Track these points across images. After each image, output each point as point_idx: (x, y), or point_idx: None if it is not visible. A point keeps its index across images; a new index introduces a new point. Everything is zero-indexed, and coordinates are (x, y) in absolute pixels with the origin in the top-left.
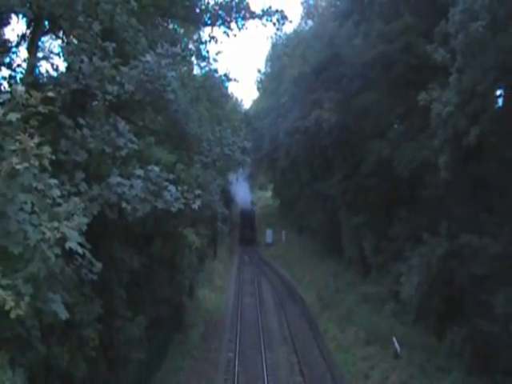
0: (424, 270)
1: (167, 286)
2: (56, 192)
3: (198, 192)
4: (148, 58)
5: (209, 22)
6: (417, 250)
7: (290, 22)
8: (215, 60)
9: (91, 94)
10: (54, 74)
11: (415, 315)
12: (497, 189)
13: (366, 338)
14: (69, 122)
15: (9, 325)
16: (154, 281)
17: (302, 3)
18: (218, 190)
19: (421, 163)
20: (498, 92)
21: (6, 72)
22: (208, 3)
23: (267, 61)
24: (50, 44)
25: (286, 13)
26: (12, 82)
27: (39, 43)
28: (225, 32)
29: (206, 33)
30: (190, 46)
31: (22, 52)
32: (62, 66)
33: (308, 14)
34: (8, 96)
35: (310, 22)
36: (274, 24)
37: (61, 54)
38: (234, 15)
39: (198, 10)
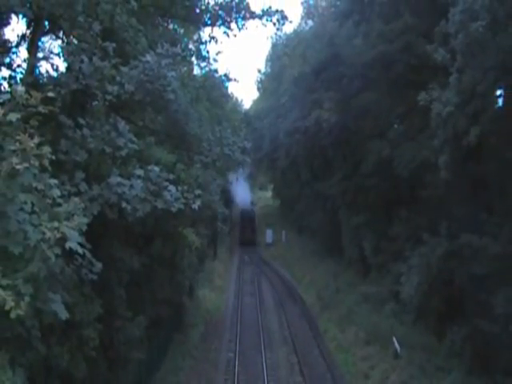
0: (424, 270)
1: (167, 286)
2: (56, 192)
3: (198, 192)
4: (148, 58)
5: (209, 22)
6: (417, 250)
7: (290, 22)
8: (215, 60)
9: (91, 94)
10: (54, 74)
11: (415, 315)
12: (497, 189)
13: (366, 338)
14: (69, 122)
15: (9, 325)
16: (154, 281)
17: (302, 3)
18: (218, 190)
19: (421, 163)
20: (498, 92)
21: (6, 72)
22: (208, 3)
23: (267, 61)
24: (50, 44)
25: (286, 13)
26: (12, 82)
27: (39, 43)
28: (225, 32)
29: (206, 33)
30: (190, 46)
31: (22, 52)
32: (62, 66)
33: (308, 14)
34: (8, 96)
35: (310, 22)
36: (274, 24)
37: (61, 54)
38: (234, 15)
39: (198, 10)
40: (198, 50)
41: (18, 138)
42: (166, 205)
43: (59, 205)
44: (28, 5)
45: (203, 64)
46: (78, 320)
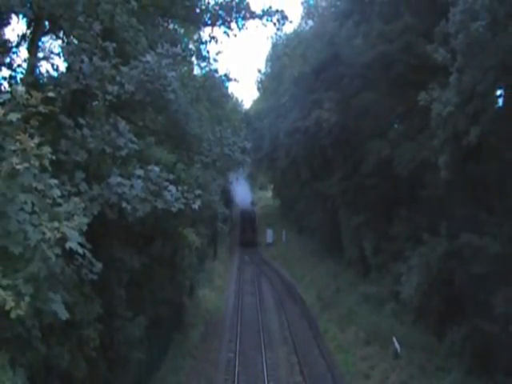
0: (424, 270)
1: (167, 286)
2: (56, 192)
3: (198, 192)
4: (148, 58)
5: (209, 22)
6: (417, 250)
7: (291, 22)
8: (215, 60)
9: (91, 94)
10: (55, 74)
11: (415, 315)
12: (497, 189)
13: (366, 337)
14: (69, 122)
15: (9, 325)
16: (154, 281)
17: (302, 3)
18: (218, 190)
19: (421, 163)
20: (498, 92)
21: (6, 72)
22: (208, 3)
23: (267, 61)
24: (51, 44)
25: (286, 13)
26: (12, 82)
27: (39, 43)
28: (225, 32)
29: (206, 33)
30: (191, 46)
31: (23, 52)
32: (63, 66)
33: (308, 14)
34: (8, 96)
35: (310, 22)
36: (275, 24)
37: (61, 54)
38: (234, 15)
39: (198, 10)
40: (198, 50)
41: (18, 137)
42: (166, 205)
43: (59, 205)
44: (28, 5)
45: (203, 64)
46: (78, 320)
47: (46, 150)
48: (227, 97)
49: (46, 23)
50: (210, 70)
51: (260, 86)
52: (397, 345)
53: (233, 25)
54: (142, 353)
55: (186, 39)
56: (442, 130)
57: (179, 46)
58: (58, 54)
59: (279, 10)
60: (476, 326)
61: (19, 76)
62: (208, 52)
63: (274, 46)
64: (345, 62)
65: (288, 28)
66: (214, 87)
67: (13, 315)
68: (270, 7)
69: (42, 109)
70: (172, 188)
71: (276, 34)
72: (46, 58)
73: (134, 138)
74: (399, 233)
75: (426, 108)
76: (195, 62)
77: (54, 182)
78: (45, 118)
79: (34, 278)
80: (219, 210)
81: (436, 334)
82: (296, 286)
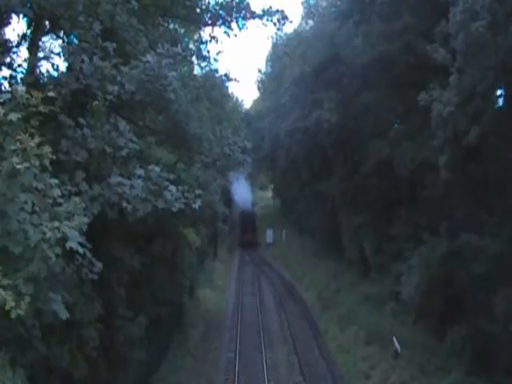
0: (424, 270)
1: (167, 286)
2: (56, 192)
3: (198, 192)
4: (149, 57)
5: (209, 21)
6: (417, 250)
7: (291, 22)
8: (216, 60)
9: (92, 94)
10: (55, 73)
11: (415, 315)
12: (497, 189)
13: (366, 337)
14: (69, 121)
15: (9, 325)
16: (154, 280)
17: (302, 3)
18: (218, 189)
19: (421, 163)
20: (498, 92)
21: (6, 72)
22: (208, 3)
23: (267, 61)
24: (51, 44)
25: (287, 13)
26: (13, 81)
27: (40, 43)
28: (225, 32)
29: (206, 33)
30: (191, 45)
31: (23, 52)
32: (63, 65)
33: (308, 13)
34: (8, 96)
35: (310, 22)
36: (275, 24)
37: (61, 54)
38: (234, 15)
39: (198, 10)
40: (199, 50)
41: (18, 137)
42: (166, 205)
43: (60, 204)
44: (28, 5)
45: (204, 64)
46: (79, 320)
47: (47, 149)
48: (227, 97)
49: (47, 23)
50: (211, 69)
51: (260, 85)
52: (397, 345)
53: (233, 25)
54: (142, 353)
55: (186, 39)
56: (442, 130)
57: (179, 45)
58: (59, 54)
59: (279, 9)
60: (476, 326)
61: (19, 76)
62: (208, 52)
63: (274, 45)
64: (345, 62)
65: (288, 28)
66: (215, 87)
67: (13, 315)
68: (270, 7)
69: (42, 109)
70: (172, 188)
71: (276, 33)
72: (46, 58)
73: (134, 137)
74: (399, 233)
75: (426, 108)
76: (195, 61)
77: (54, 181)
78: (45, 118)
79: (34, 277)
80: (219, 210)
81: (436, 333)
82: (296, 285)
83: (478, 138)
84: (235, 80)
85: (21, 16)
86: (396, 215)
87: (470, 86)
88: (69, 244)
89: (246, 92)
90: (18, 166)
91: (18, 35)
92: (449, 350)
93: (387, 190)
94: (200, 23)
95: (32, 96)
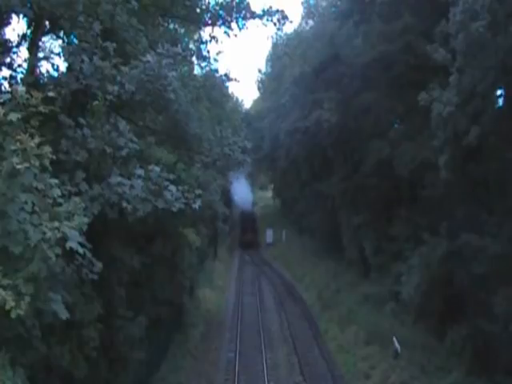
0: (424, 270)
1: (167, 286)
2: (56, 192)
3: (198, 192)
4: (149, 57)
5: (209, 21)
6: (417, 250)
7: (291, 22)
8: (216, 60)
9: (92, 94)
10: (55, 74)
11: (415, 315)
12: (497, 189)
13: (366, 337)
14: (69, 121)
15: (9, 325)
16: (154, 280)
17: (302, 3)
18: (218, 189)
19: (421, 163)
20: (498, 92)
21: (6, 72)
22: (208, 3)
23: (268, 61)
24: (51, 44)
25: (287, 13)
26: (13, 82)
27: (40, 43)
28: (225, 32)
29: (206, 33)
30: (191, 45)
31: (23, 52)
32: (63, 66)
33: (308, 13)
34: (9, 96)
35: (310, 22)
36: (275, 24)
37: (61, 54)
38: (234, 15)
39: (198, 10)
40: (199, 50)
41: (18, 137)
42: (166, 205)
43: (60, 204)
44: (28, 5)
45: (204, 64)
46: (79, 320)
47: (47, 149)
48: (227, 97)
49: (47, 23)
50: (211, 69)
51: (260, 85)
52: (397, 345)
53: (233, 25)
54: (142, 353)
55: (186, 39)
56: (442, 130)
57: (179, 45)
58: (59, 54)
59: (279, 9)
60: (476, 326)
61: (19, 76)
62: (208, 52)
63: (275, 45)
64: (345, 62)
65: (288, 28)
66: (215, 87)
67: (13, 315)
68: (271, 7)
69: (42, 109)
70: (172, 188)
71: (276, 33)
72: (46, 58)
73: (134, 137)
74: (399, 233)
75: (426, 108)
76: (195, 61)
77: (54, 181)
78: (45, 118)
79: (34, 277)
80: (219, 210)
81: (436, 333)
82: (296, 285)
83: (478, 138)
84: (235, 80)
85: (21, 16)
86: (396, 215)
87: (470, 86)
88: (69, 244)
89: (246, 92)
90: (18, 166)
91: (18, 35)
92: (449, 350)
93: (387, 190)
94: (200, 23)
95: (32, 96)
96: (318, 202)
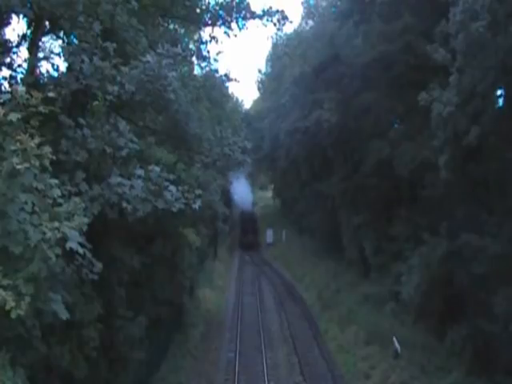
0: (424, 270)
1: (167, 286)
2: (56, 192)
3: (198, 192)
4: (149, 58)
5: (209, 22)
6: (417, 250)
7: (291, 22)
8: (216, 60)
9: (92, 94)
10: (55, 74)
11: (415, 315)
12: (497, 189)
13: (367, 337)
14: (69, 122)
15: (9, 325)
16: (154, 281)
17: (302, 3)
18: (218, 189)
19: (421, 163)
20: (498, 92)
21: (6, 72)
22: (208, 3)
23: (268, 61)
24: (51, 44)
25: (287, 13)
26: (13, 82)
27: (40, 43)
28: (225, 32)
29: (206, 33)
30: (191, 46)
31: (23, 52)
32: (63, 66)
33: (308, 14)
34: (9, 96)
35: (310, 22)
36: (275, 24)
37: (61, 54)
38: (234, 15)
39: (198, 10)
40: (199, 50)
41: (18, 137)
42: (166, 205)
43: (60, 205)
44: (28, 5)
45: (204, 64)
46: (79, 320)
47: (47, 150)
48: (227, 97)
49: (47, 23)
50: (211, 70)
51: (260, 85)
52: (397, 345)
53: (233, 25)
54: (142, 353)
55: (186, 39)
56: (442, 130)
57: (179, 46)
58: (59, 54)
59: (279, 10)
60: (476, 326)
61: (19, 76)
62: (208, 52)
63: (275, 45)
64: (345, 62)
65: (288, 28)
66: (215, 87)
67: (13, 315)
68: (271, 7)
69: (42, 109)
70: (172, 188)
71: (276, 34)
72: (46, 58)
73: (134, 137)
74: (399, 233)
75: (426, 108)
76: (195, 62)
77: (54, 181)
78: (45, 118)
79: (34, 277)
80: (219, 210)
81: (436, 333)
82: (296, 285)
83: (478, 138)
84: (235, 80)
85: (21, 16)
86: (396, 215)
87: (470, 86)
88: (69, 244)
89: (246, 92)
90: (18, 167)
91: (18, 35)
92: (449, 350)
93: (387, 190)
94: (200, 23)
95: (32, 96)
96: (318, 202)
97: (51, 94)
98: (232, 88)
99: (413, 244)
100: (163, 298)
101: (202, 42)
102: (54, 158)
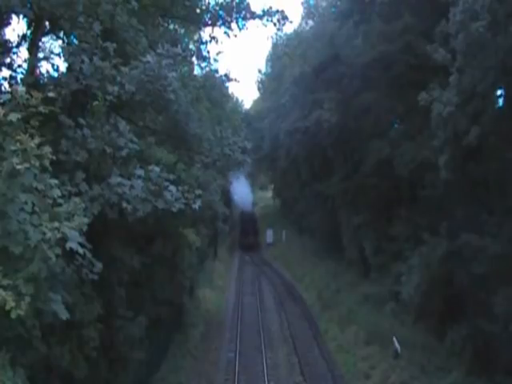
0: (424, 270)
1: (167, 286)
2: (56, 192)
3: (198, 192)
4: (149, 58)
5: (209, 22)
6: (417, 250)
7: (291, 22)
8: (216, 60)
9: (92, 95)
10: (55, 74)
11: (415, 315)
12: (497, 189)
13: (366, 337)
14: (69, 122)
15: (9, 325)
16: (154, 281)
17: (302, 3)
18: (218, 190)
19: (421, 163)
20: (498, 92)
21: (6, 72)
22: (208, 3)
23: (268, 61)
24: (51, 44)
25: (287, 13)
26: (13, 82)
27: (40, 43)
28: (225, 32)
29: (206, 33)
30: (191, 46)
31: (23, 52)
32: (63, 66)
33: (308, 14)
34: (9, 96)
35: (310, 22)
36: (275, 24)
37: (61, 55)
38: (234, 15)
39: (198, 10)
40: (199, 50)
41: (18, 138)
42: (166, 205)
43: (60, 205)
44: (28, 5)
45: (204, 64)
46: (79, 320)
47: (47, 150)
48: (227, 97)
49: (47, 23)
50: (211, 70)
51: (260, 85)
52: (397, 345)
53: (233, 25)
54: (142, 353)
55: (186, 39)
56: (442, 130)
57: (179, 46)
58: (59, 55)
59: (279, 10)
60: (476, 326)
61: (19, 76)
62: (208, 52)
63: (274, 46)
64: (345, 62)
65: (288, 28)
66: (215, 87)
67: (13, 315)
68: (271, 7)
69: (42, 109)
70: (172, 188)
71: (276, 34)
72: (46, 59)
73: (134, 138)
74: (399, 233)
75: (426, 108)
76: (195, 62)
77: (54, 182)
78: (45, 118)
79: (34, 278)
80: (219, 210)
81: (436, 333)
82: (296, 285)
83: (478, 138)
84: (235, 80)
85: (21, 16)
86: (396, 215)
87: (470, 86)
88: (69, 244)
89: (246, 92)
90: (18, 167)
91: (18, 35)
92: (449, 350)
93: (387, 190)
94: (200, 23)
95: (32, 96)
96: (318, 201)
97: (51, 94)
98: (232, 88)
99: (413, 244)
100: (163, 298)
101: (202, 42)
102: (54, 158)
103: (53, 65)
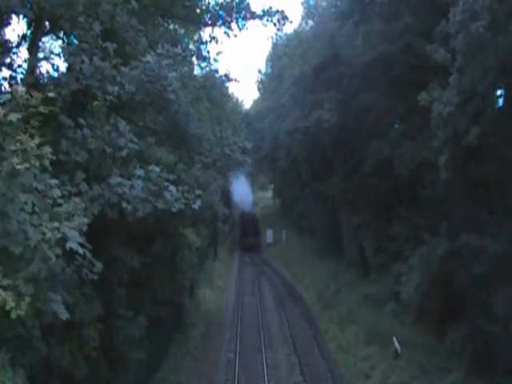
0: (424, 270)
1: (167, 286)
2: (56, 192)
3: (198, 192)
4: (149, 58)
5: (209, 22)
6: (417, 250)
7: (291, 22)
8: (216, 60)
9: (92, 95)
10: (55, 74)
11: (415, 315)
12: (497, 189)
13: (366, 337)
14: (69, 122)
15: (9, 325)
16: (154, 281)
17: (302, 3)
18: (218, 190)
19: (421, 163)
20: (498, 92)
21: (6, 72)
22: (208, 3)
23: (268, 61)
24: (51, 44)
25: (287, 13)
26: (13, 82)
27: (40, 44)
28: (225, 32)
29: (206, 33)
30: (191, 46)
31: (23, 52)
32: (63, 66)
33: (308, 14)
34: (9, 96)
35: (310, 22)
36: (275, 24)
37: (61, 55)
38: (234, 15)
39: (198, 10)
40: (199, 50)
41: (18, 138)
42: (166, 205)
43: (60, 205)
44: (28, 5)
45: (204, 64)
46: (79, 320)
47: (47, 150)
48: (227, 97)
49: (47, 23)
50: (211, 70)
51: (260, 86)
52: (397, 345)
53: (233, 25)
54: (142, 353)
55: (186, 39)
56: (442, 130)
57: (179, 46)
58: (59, 55)
59: (279, 10)
60: (476, 326)
61: (19, 76)
62: (208, 52)
63: (274, 46)
64: (345, 62)
65: (288, 28)
66: (215, 87)
67: (13, 315)
68: (271, 7)
69: (42, 109)
70: (172, 188)
71: (276, 34)
72: (46, 59)
73: (134, 138)
74: (399, 233)
75: (426, 108)
76: (195, 62)
77: (54, 182)
78: (45, 119)
79: (34, 278)
80: (219, 211)
81: (436, 333)
82: (296, 285)
83: (478, 138)
84: (235, 80)
85: (21, 16)
86: (396, 215)
87: (470, 86)
88: (69, 244)
89: (246, 92)
90: (18, 167)
91: (18, 36)
92: (449, 350)
93: (387, 190)
94: (200, 23)
95: (32, 96)
96: (318, 201)
97: (51, 94)
98: (232, 88)
99: (413, 244)
100: (163, 297)
101: (202, 42)
102: (54, 158)
103: (53, 65)
